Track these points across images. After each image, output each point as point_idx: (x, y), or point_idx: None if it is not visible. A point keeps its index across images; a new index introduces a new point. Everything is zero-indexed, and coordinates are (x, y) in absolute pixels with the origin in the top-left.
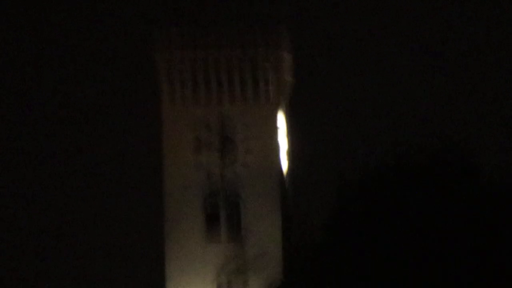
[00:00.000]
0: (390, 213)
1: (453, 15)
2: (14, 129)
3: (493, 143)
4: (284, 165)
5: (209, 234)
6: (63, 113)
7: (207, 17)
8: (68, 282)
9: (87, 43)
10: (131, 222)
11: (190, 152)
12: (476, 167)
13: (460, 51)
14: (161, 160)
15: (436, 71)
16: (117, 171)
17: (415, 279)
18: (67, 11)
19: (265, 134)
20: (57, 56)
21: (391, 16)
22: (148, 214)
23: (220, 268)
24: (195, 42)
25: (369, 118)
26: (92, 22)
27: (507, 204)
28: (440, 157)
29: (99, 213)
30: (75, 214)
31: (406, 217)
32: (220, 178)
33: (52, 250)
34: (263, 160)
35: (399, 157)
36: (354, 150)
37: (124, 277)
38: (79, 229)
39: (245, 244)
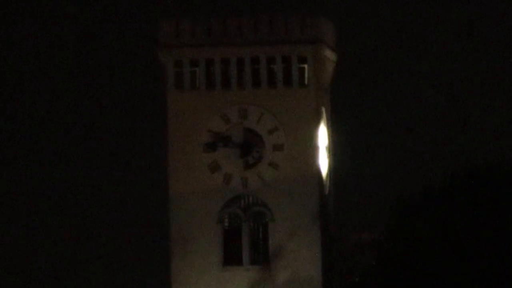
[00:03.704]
0: (451, 237)
1: None
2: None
3: None
4: (324, 166)
5: (227, 254)
6: (59, 111)
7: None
8: None
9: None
10: (130, 237)
11: (202, 149)
12: None
13: None
14: (166, 160)
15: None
16: (114, 173)
17: None
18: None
19: (299, 126)
20: (58, 50)
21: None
22: (151, 228)
23: None
24: (212, 37)
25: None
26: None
27: None
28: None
29: (93, 223)
30: (61, 226)
31: (464, 242)
32: (241, 183)
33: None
34: (297, 160)
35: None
36: (412, 158)
37: None
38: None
39: (274, 267)
